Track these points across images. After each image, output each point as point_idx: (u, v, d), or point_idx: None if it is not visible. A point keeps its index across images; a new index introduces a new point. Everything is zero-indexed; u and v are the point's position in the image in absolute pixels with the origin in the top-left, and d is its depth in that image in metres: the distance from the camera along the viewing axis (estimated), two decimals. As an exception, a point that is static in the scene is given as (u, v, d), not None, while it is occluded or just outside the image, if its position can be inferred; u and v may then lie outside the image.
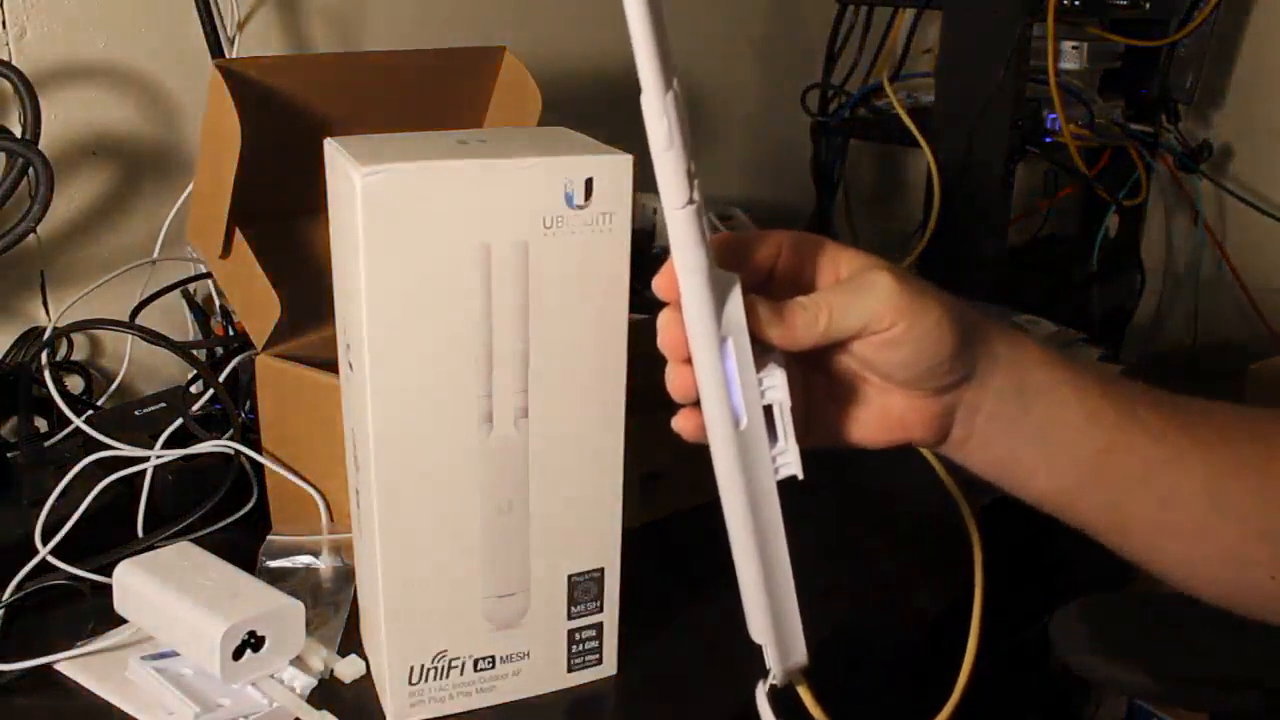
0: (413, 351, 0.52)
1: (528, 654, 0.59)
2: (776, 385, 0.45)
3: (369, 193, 0.49)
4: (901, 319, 0.45)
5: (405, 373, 0.52)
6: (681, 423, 0.46)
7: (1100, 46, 1.29)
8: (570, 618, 0.60)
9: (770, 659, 0.47)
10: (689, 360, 0.44)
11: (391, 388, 0.52)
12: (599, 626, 0.61)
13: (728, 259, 0.44)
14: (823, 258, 0.47)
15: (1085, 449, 0.48)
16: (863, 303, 0.45)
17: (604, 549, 0.59)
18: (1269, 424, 0.49)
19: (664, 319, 0.45)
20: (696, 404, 0.45)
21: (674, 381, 0.46)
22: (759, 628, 0.47)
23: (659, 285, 0.44)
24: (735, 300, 0.43)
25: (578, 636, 0.60)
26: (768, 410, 0.45)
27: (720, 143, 1.46)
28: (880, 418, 0.49)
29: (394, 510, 0.54)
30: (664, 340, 0.45)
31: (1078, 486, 0.49)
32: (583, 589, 0.59)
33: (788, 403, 0.45)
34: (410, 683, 0.57)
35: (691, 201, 0.41)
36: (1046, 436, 0.48)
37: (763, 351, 0.45)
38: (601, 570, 0.60)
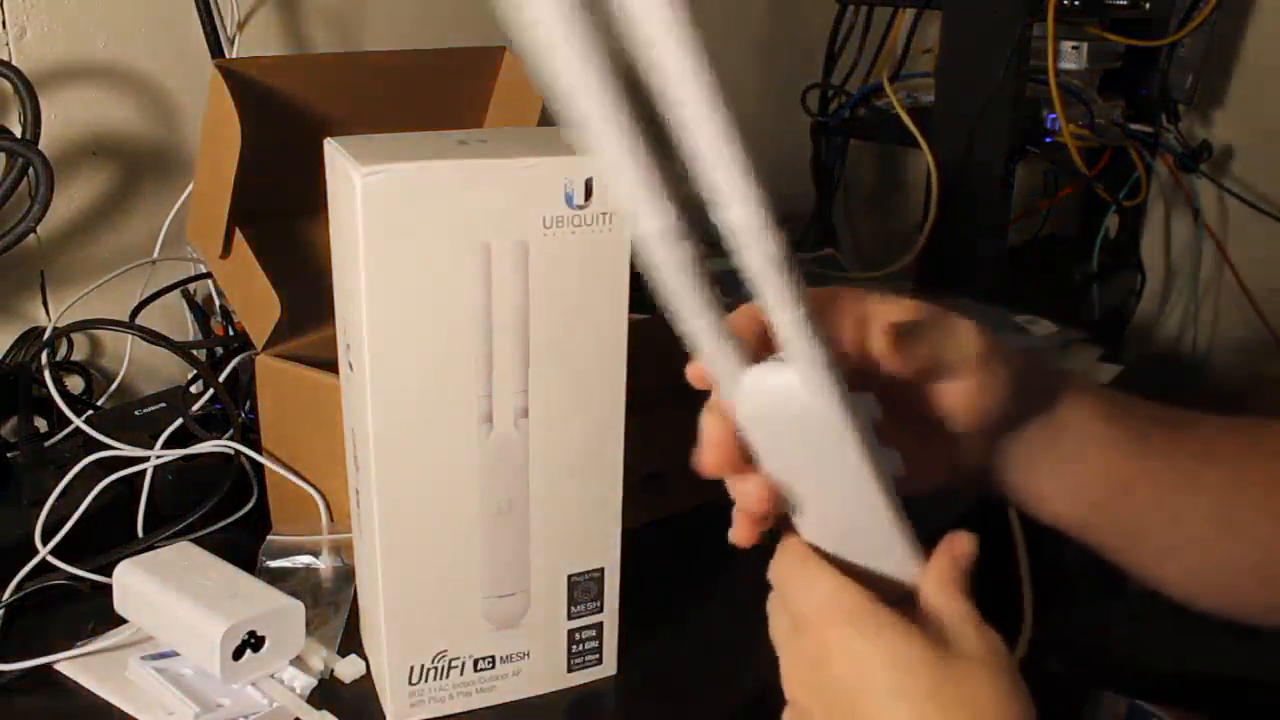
0: (413, 351, 0.52)
1: (528, 654, 0.59)
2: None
3: (369, 193, 0.49)
4: (983, 367, 0.43)
5: (405, 373, 0.52)
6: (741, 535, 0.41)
7: (1100, 46, 1.29)
8: (570, 618, 0.60)
9: None
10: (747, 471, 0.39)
11: (391, 388, 0.52)
12: (599, 626, 0.61)
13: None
14: (847, 309, 0.43)
15: (1104, 482, 0.48)
16: (953, 345, 0.43)
17: (604, 549, 0.59)
18: (1276, 439, 0.50)
19: (714, 433, 0.39)
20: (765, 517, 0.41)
21: (749, 497, 0.40)
22: None
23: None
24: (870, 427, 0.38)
25: (578, 636, 0.60)
26: None
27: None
28: (924, 464, 0.45)
29: (394, 510, 0.54)
30: (711, 459, 0.39)
31: (1093, 513, 0.49)
32: (583, 589, 0.59)
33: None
34: (410, 683, 0.57)
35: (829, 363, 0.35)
36: (1067, 468, 0.48)
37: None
38: (601, 570, 0.59)
